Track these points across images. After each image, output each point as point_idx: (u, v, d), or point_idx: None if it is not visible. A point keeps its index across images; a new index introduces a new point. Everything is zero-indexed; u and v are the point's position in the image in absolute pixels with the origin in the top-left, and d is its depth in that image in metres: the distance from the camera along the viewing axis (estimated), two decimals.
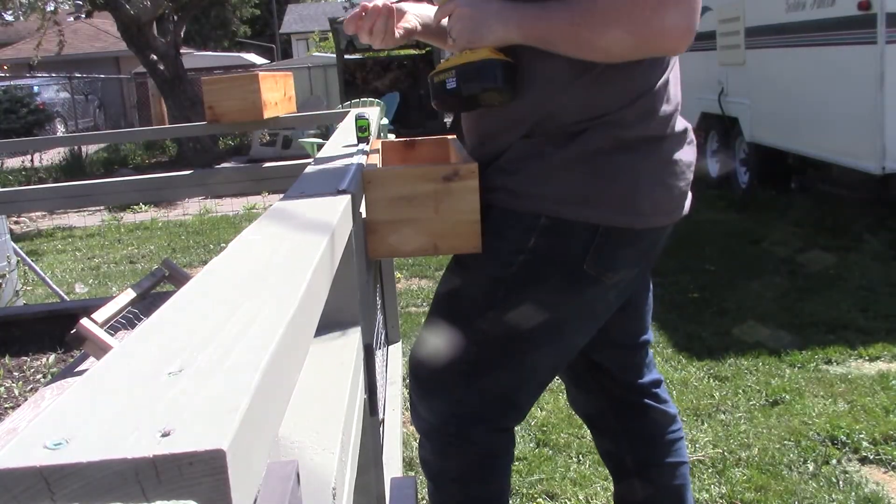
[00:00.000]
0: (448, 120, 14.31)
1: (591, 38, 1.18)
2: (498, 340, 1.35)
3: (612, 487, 2.29)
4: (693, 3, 1.16)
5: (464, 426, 1.40)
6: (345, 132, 1.82)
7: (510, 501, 2.27)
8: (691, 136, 1.39)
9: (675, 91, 1.35)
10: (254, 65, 20.36)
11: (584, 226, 1.27)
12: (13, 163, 12.75)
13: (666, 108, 1.31)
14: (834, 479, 2.27)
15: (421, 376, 1.43)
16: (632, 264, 1.36)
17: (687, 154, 1.36)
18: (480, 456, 1.43)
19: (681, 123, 1.36)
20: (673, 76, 1.34)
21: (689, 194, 1.39)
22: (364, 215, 1.26)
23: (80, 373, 2.16)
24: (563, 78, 1.24)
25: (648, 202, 1.28)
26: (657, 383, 1.61)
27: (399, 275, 4.80)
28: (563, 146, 1.25)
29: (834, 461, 2.38)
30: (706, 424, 2.65)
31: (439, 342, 1.36)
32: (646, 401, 1.58)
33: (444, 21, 1.34)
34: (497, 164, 1.31)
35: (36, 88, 17.48)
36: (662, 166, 1.31)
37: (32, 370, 2.79)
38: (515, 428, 2.75)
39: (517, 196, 1.26)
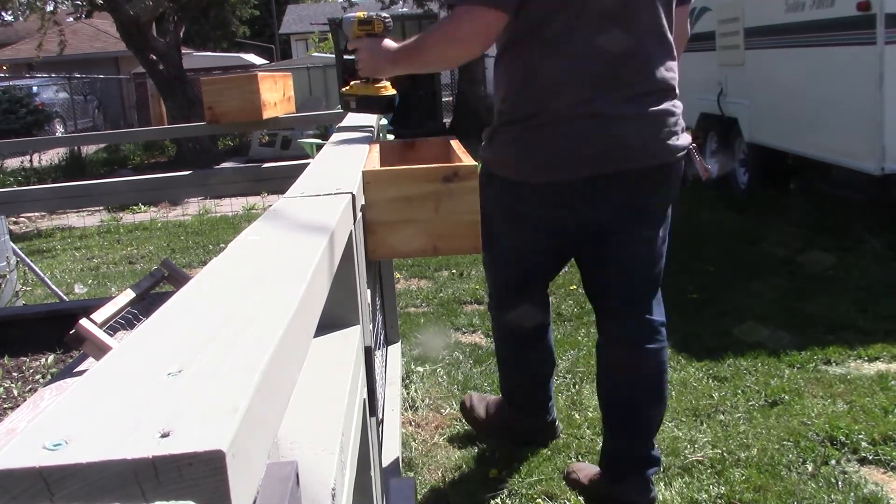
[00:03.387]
0: (447, 121, 14.30)
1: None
2: None
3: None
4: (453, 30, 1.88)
5: None
6: (345, 133, 1.82)
7: (509, 501, 2.27)
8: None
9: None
10: (253, 65, 20.37)
11: None
12: (13, 163, 12.74)
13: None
14: (833, 480, 2.27)
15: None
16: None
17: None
18: None
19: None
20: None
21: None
22: (364, 216, 1.26)
23: (80, 373, 2.16)
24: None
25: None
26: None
27: (399, 275, 4.80)
28: None
29: (833, 461, 2.38)
30: (705, 425, 2.65)
31: None
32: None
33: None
34: None
35: (35, 89, 17.48)
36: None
37: (31, 370, 2.78)
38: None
39: None
